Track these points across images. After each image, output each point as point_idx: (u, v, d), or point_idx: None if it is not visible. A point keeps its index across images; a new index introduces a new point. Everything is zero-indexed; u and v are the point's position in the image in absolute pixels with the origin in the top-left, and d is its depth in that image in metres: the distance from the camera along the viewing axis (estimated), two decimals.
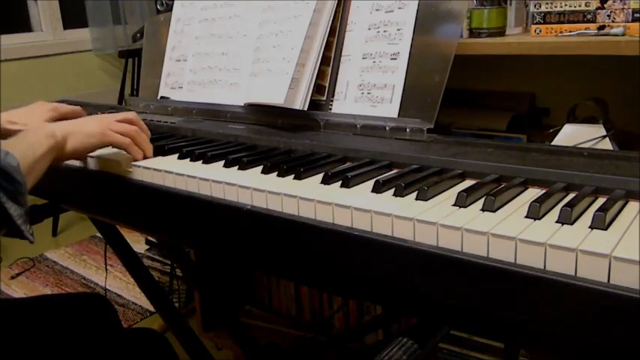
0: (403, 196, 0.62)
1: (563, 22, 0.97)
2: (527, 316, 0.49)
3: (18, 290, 2.28)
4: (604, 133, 0.87)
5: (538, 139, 1.11)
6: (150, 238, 2.03)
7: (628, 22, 0.91)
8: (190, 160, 0.83)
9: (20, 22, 2.99)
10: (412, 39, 0.84)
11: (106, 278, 1.92)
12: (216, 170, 0.77)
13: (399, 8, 0.86)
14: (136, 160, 0.84)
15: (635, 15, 0.91)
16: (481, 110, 1.26)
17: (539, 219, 0.54)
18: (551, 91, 1.23)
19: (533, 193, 0.62)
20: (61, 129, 0.78)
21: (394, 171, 0.73)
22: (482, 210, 0.56)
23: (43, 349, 0.87)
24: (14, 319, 0.90)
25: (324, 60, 0.92)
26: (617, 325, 0.44)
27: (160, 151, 0.87)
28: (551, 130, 0.95)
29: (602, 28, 0.93)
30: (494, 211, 0.56)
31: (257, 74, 0.95)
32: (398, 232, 0.56)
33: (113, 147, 0.84)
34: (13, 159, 0.64)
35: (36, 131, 0.76)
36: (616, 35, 0.91)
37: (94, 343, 0.93)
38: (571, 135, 0.88)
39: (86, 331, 0.95)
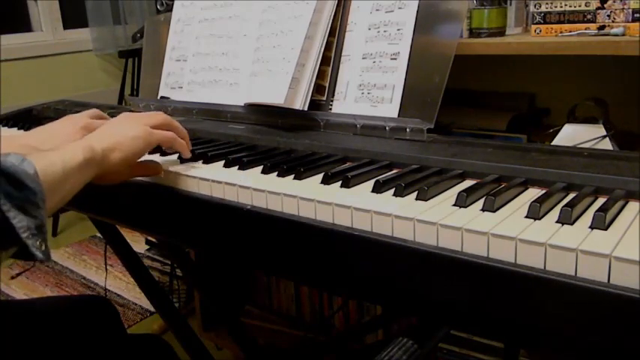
0: (403, 196, 0.62)
1: (563, 22, 0.97)
2: (527, 315, 0.49)
3: (18, 290, 2.28)
4: (604, 133, 0.87)
5: (538, 139, 1.11)
6: (150, 238, 2.03)
7: (628, 22, 0.91)
8: (190, 160, 0.83)
9: (20, 22, 2.99)
10: (412, 39, 0.84)
11: (105, 278, 1.92)
12: (216, 170, 0.77)
13: (399, 8, 0.86)
14: (183, 158, 0.79)
15: (635, 15, 0.91)
16: (481, 110, 1.26)
17: (539, 219, 0.54)
18: (551, 91, 1.23)
19: (533, 193, 0.62)
20: (100, 141, 0.69)
21: (394, 171, 0.73)
22: (483, 210, 0.56)
23: (45, 354, 0.86)
24: (15, 322, 0.89)
25: (324, 60, 0.92)
26: (617, 325, 0.44)
27: (159, 151, 0.87)
28: (551, 130, 0.95)
29: (602, 28, 0.93)
30: (494, 211, 0.56)
31: (257, 74, 0.95)
32: (398, 232, 0.56)
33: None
34: (29, 166, 0.56)
35: (72, 143, 0.68)
36: (616, 35, 0.91)
37: (97, 348, 0.92)
38: (571, 135, 0.88)
39: (89, 336, 0.94)
